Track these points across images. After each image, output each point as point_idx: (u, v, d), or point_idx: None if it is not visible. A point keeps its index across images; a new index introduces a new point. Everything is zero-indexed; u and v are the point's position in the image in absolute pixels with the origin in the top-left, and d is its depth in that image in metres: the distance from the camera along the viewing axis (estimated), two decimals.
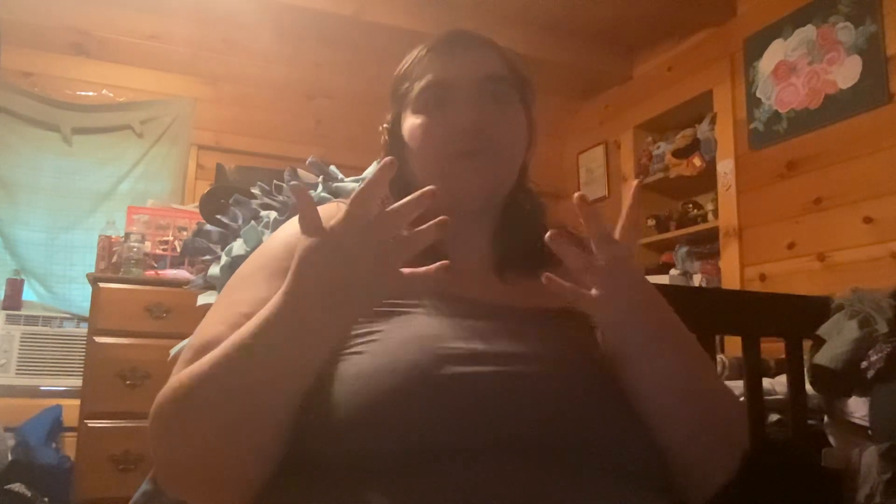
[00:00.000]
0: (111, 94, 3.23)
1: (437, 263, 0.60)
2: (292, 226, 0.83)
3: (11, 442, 2.53)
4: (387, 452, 0.62)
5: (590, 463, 0.64)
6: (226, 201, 1.58)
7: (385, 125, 0.88)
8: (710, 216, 3.05)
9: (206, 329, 0.72)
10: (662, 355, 0.68)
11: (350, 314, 0.63)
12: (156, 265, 2.75)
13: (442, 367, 0.65)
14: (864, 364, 1.46)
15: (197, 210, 2.16)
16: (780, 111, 2.60)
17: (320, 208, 0.85)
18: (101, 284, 2.53)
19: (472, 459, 0.62)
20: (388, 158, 0.62)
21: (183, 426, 0.64)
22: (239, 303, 0.73)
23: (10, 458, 2.47)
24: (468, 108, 0.79)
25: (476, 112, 0.79)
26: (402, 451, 0.62)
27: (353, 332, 0.72)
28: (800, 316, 1.58)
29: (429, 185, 0.81)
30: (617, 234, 0.66)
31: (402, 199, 0.84)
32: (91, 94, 3.20)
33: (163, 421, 0.65)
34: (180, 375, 0.65)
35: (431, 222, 0.60)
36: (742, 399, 1.44)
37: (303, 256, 0.61)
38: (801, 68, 2.53)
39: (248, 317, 0.69)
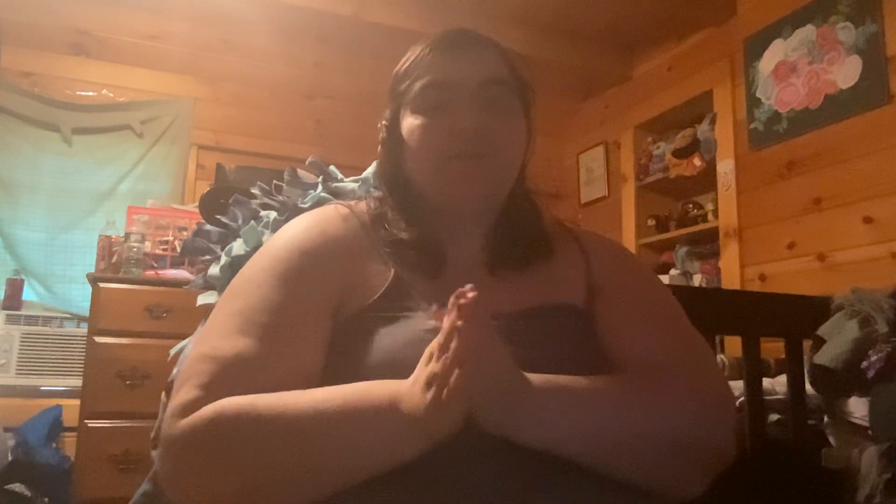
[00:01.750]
0: (111, 94, 3.23)
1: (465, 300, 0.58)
2: (294, 227, 0.82)
3: (11, 442, 2.53)
4: None
5: (579, 466, 0.65)
6: (226, 201, 1.58)
7: (384, 122, 0.87)
8: (710, 216, 3.05)
9: (225, 339, 0.70)
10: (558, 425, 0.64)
11: None
12: (156, 265, 2.75)
13: None
14: (864, 364, 1.46)
15: (197, 210, 2.16)
16: (780, 111, 2.60)
17: (318, 211, 0.86)
18: (101, 284, 2.53)
19: (464, 462, 0.62)
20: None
21: (232, 464, 0.63)
22: (254, 310, 0.71)
23: (10, 458, 2.47)
24: (468, 111, 0.78)
25: (475, 116, 0.78)
26: None
27: (357, 335, 0.72)
28: (800, 316, 1.58)
29: (425, 185, 0.81)
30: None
31: (398, 196, 0.84)
32: (91, 94, 3.20)
33: (211, 449, 0.63)
34: (246, 407, 0.63)
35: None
36: (741, 399, 1.44)
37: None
38: (801, 68, 2.52)
39: (268, 326, 0.69)
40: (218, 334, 0.71)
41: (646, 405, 0.69)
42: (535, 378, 0.64)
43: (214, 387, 0.65)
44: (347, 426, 0.61)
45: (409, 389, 0.61)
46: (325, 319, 0.73)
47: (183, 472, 0.65)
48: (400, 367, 0.64)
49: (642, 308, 0.81)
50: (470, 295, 0.56)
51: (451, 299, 0.57)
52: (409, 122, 0.81)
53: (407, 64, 0.84)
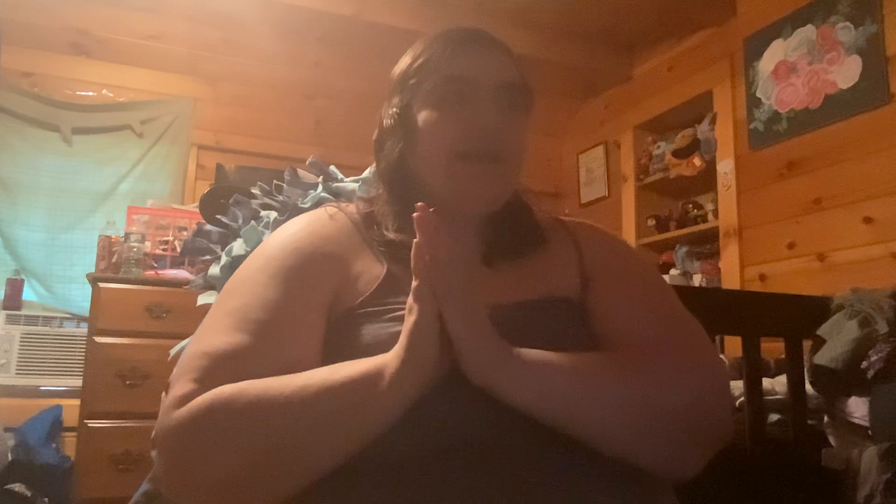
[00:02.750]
0: (111, 94, 3.23)
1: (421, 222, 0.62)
2: (286, 229, 0.83)
3: (11, 442, 2.53)
4: (387, 450, 0.63)
5: (577, 458, 0.65)
6: (226, 201, 1.59)
7: (395, 109, 0.84)
8: (710, 216, 3.04)
9: (219, 336, 0.70)
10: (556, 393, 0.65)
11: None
12: (156, 265, 2.75)
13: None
14: (864, 364, 1.46)
15: (197, 210, 2.16)
16: (779, 111, 2.60)
17: (310, 213, 0.86)
18: (101, 284, 2.53)
19: (469, 457, 0.62)
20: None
21: (231, 446, 0.63)
22: (248, 308, 0.72)
23: (10, 458, 2.47)
24: (488, 109, 0.79)
25: (495, 115, 0.79)
26: (397, 450, 0.63)
27: (350, 330, 0.73)
28: (800, 316, 1.58)
29: (434, 179, 0.81)
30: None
31: (394, 188, 0.84)
32: (91, 94, 3.20)
33: (205, 437, 0.64)
34: (236, 393, 0.64)
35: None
36: (741, 399, 1.44)
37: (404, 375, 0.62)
38: (801, 68, 2.52)
39: (262, 323, 0.70)
40: (213, 332, 0.72)
41: (639, 377, 0.68)
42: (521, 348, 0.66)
43: (208, 380, 0.66)
44: (334, 393, 0.63)
45: (393, 349, 0.64)
46: (318, 316, 0.74)
47: (182, 461, 0.66)
48: None
49: (634, 292, 0.81)
50: (419, 203, 0.62)
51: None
52: (426, 114, 0.81)
53: (422, 57, 0.83)
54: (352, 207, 0.87)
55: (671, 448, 0.69)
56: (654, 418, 0.67)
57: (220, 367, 0.67)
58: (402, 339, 0.62)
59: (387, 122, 0.86)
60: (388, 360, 0.63)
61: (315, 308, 0.74)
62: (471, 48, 0.81)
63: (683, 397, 0.69)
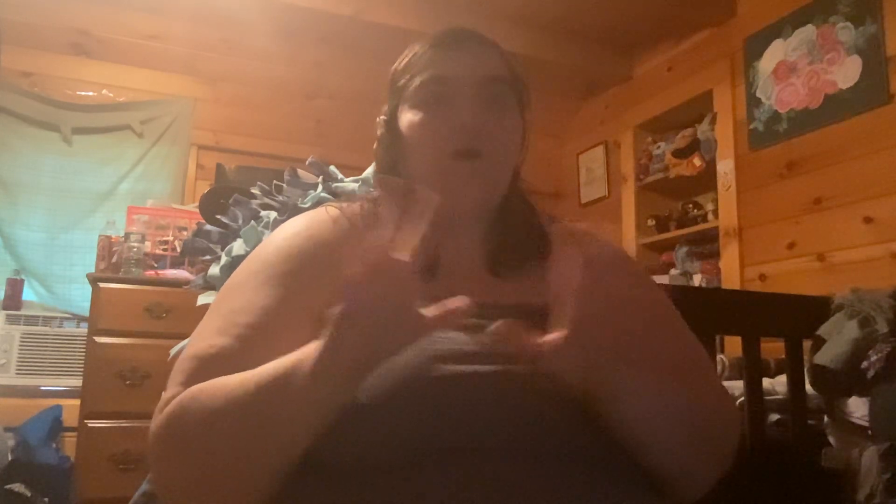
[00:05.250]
0: (111, 94, 3.23)
1: (456, 306, 0.58)
2: (285, 230, 0.82)
3: (11, 442, 2.53)
4: (386, 452, 0.63)
5: (582, 462, 0.64)
6: (226, 201, 1.59)
7: (382, 117, 0.86)
8: (710, 216, 3.04)
9: (207, 339, 0.71)
10: (638, 392, 0.65)
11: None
12: (156, 265, 2.75)
13: (435, 366, 0.65)
14: (864, 364, 1.46)
15: (197, 210, 2.16)
16: (780, 111, 2.60)
17: (309, 214, 0.86)
18: (101, 284, 2.53)
19: (469, 459, 0.62)
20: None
21: (191, 453, 0.64)
22: (237, 312, 0.72)
23: (10, 458, 2.47)
24: (469, 106, 0.78)
25: (476, 112, 0.78)
26: (401, 450, 0.63)
27: None
28: (800, 316, 1.58)
29: (423, 181, 0.81)
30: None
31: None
32: (91, 94, 3.20)
33: (170, 442, 0.65)
34: (192, 397, 0.65)
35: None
36: (741, 399, 1.44)
37: (328, 346, 0.59)
38: (801, 68, 2.52)
39: (249, 327, 0.70)
40: (202, 335, 0.73)
41: (673, 388, 0.70)
42: None
43: (191, 384, 0.67)
44: (256, 395, 0.62)
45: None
46: (308, 321, 0.73)
47: (158, 464, 0.67)
48: (395, 367, 0.63)
49: (646, 314, 0.81)
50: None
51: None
52: (409, 117, 0.81)
53: (406, 60, 0.84)
54: (355, 207, 0.86)
55: (695, 461, 0.70)
56: (699, 434, 0.69)
57: (204, 371, 0.68)
58: (331, 329, 0.58)
59: (379, 130, 0.87)
60: (305, 354, 0.60)
61: (307, 313, 0.73)
62: (451, 47, 0.81)
63: (710, 413, 0.72)
